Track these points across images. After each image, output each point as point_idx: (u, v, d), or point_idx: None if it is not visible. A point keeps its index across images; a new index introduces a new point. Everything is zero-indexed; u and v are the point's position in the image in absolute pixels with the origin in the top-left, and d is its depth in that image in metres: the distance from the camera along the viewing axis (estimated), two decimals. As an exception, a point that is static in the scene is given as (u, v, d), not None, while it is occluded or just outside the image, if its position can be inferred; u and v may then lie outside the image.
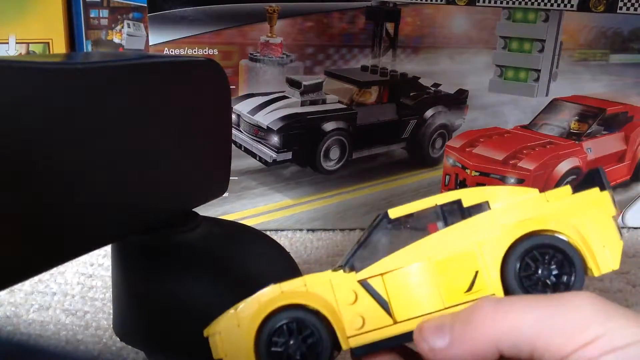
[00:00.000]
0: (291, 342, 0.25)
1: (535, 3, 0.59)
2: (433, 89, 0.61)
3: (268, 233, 0.43)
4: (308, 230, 0.63)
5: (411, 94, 0.62)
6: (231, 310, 0.26)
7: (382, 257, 0.26)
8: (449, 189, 0.63)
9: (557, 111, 0.62)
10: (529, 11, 0.59)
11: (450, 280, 0.25)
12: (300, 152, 0.61)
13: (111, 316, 0.39)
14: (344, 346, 0.25)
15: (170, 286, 0.35)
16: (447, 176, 0.64)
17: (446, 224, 0.26)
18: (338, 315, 0.25)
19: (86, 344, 0.42)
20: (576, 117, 0.62)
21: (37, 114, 0.26)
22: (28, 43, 0.74)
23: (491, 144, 0.61)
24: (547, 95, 0.62)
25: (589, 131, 0.63)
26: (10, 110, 0.25)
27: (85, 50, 0.77)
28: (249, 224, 0.46)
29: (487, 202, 0.26)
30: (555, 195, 0.26)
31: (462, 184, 0.62)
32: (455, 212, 0.26)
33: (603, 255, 0.25)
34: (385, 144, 0.63)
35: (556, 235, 0.25)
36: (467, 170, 0.62)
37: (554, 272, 0.25)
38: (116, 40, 0.77)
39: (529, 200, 0.26)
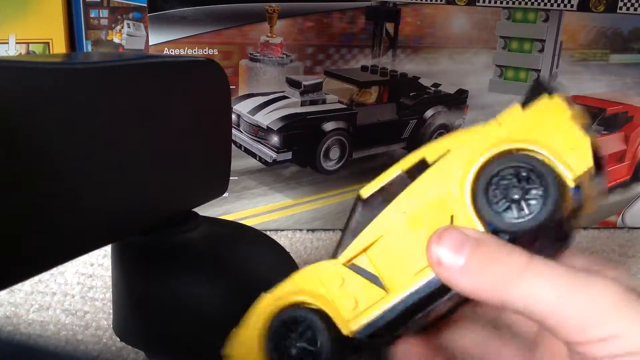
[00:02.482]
0: (291, 341, 0.25)
1: (535, 3, 0.59)
2: (433, 89, 0.61)
3: (268, 233, 0.43)
4: (308, 230, 0.63)
5: (411, 94, 0.62)
6: (233, 331, 0.27)
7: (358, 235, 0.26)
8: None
9: (557, 111, 0.62)
10: (529, 11, 0.59)
11: (430, 231, 0.24)
12: (300, 152, 0.61)
13: (111, 316, 0.39)
14: (345, 330, 0.25)
15: (170, 286, 0.35)
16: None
17: None
18: (332, 304, 0.25)
19: (86, 344, 0.42)
20: (576, 117, 0.62)
21: (36, 114, 0.26)
22: (28, 43, 0.74)
23: (491, 144, 0.61)
24: (547, 95, 0.62)
25: (589, 131, 0.63)
26: (9, 110, 0.25)
27: (85, 50, 0.77)
28: (249, 224, 0.46)
29: (448, 151, 0.25)
30: (507, 116, 0.25)
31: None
32: (422, 172, 0.25)
33: (572, 156, 0.24)
34: (385, 144, 0.63)
35: (515, 153, 0.24)
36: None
37: (524, 189, 0.23)
38: (116, 40, 0.77)
39: (482, 131, 0.25)
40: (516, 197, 0.23)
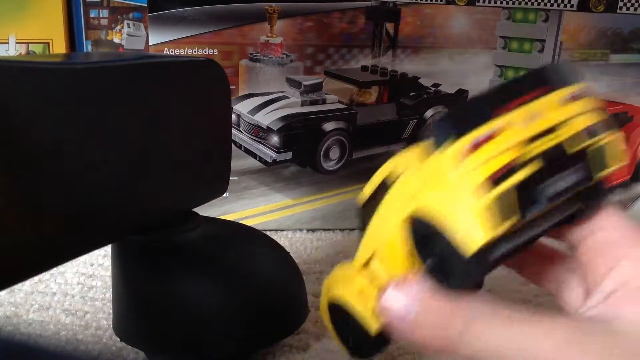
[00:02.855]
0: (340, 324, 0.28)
1: (535, 3, 0.59)
2: (433, 89, 0.61)
3: (268, 233, 0.43)
4: (308, 230, 0.63)
5: (411, 94, 0.62)
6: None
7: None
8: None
9: (557, 111, 0.62)
10: (529, 11, 0.59)
11: (396, 268, 0.25)
12: (300, 152, 0.61)
13: (111, 316, 0.39)
14: (369, 329, 0.26)
15: (170, 286, 0.35)
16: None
17: None
18: (357, 306, 0.26)
19: (86, 344, 0.42)
20: (576, 117, 0.62)
21: (36, 114, 0.26)
22: (28, 43, 0.74)
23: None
24: (547, 95, 0.61)
25: (589, 131, 0.63)
26: (9, 110, 0.25)
27: (85, 50, 0.77)
28: (249, 224, 0.46)
29: (401, 174, 0.25)
30: (425, 159, 0.23)
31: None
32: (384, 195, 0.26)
33: (467, 229, 0.21)
34: (385, 144, 0.63)
35: (418, 218, 0.22)
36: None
37: (430, 260, 0.23)
38: (116, 40, 0.77)
39: (409, 176, 0.24)
40: (429, 264, 0.23)
